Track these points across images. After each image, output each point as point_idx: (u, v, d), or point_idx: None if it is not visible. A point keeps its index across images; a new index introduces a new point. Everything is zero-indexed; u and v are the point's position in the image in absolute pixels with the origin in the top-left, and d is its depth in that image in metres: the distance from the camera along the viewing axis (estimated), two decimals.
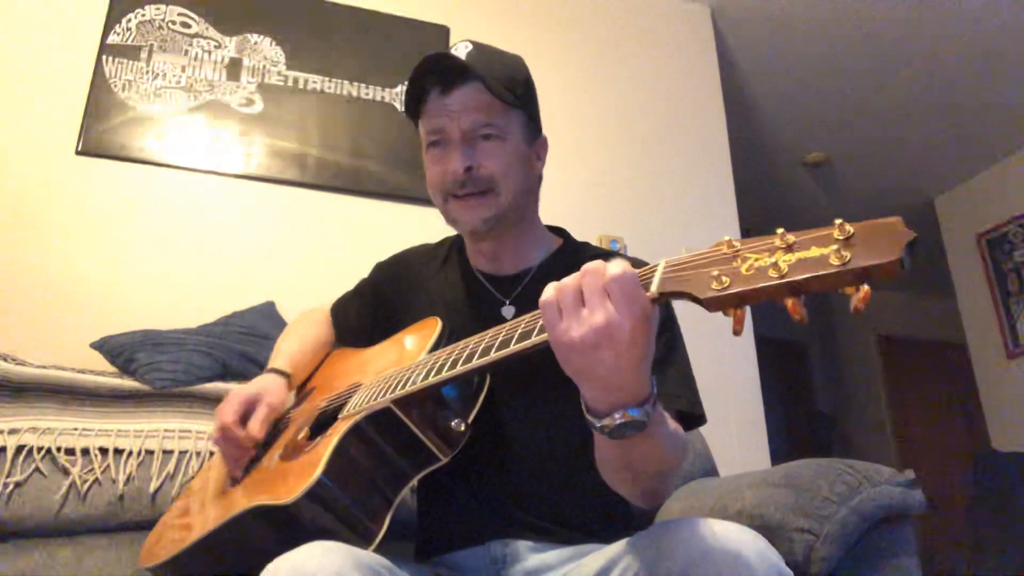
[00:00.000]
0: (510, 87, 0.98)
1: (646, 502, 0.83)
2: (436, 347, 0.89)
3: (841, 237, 0.49)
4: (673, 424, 0.77)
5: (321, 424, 0.94)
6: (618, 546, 0.77)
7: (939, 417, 5.26)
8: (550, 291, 0.64)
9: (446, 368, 0.76)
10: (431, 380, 0.77)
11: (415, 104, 1.00)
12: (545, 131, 1.10)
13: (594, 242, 2.04)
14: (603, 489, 0.98)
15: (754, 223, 4.19)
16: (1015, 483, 3.24)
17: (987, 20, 2.88)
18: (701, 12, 2.80)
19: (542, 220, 1.15)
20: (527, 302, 1.01)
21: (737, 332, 0.55)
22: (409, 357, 0.90)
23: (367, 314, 1.18)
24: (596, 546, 0.85)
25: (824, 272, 0.48)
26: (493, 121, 0.97)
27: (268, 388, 1.05)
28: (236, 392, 1.02)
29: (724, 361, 2.22)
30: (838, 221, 0.50)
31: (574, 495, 0.94)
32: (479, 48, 0.98)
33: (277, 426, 1.05)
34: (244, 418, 0.99)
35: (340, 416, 0.88)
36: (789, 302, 0.51)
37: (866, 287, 0.48)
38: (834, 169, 4.05)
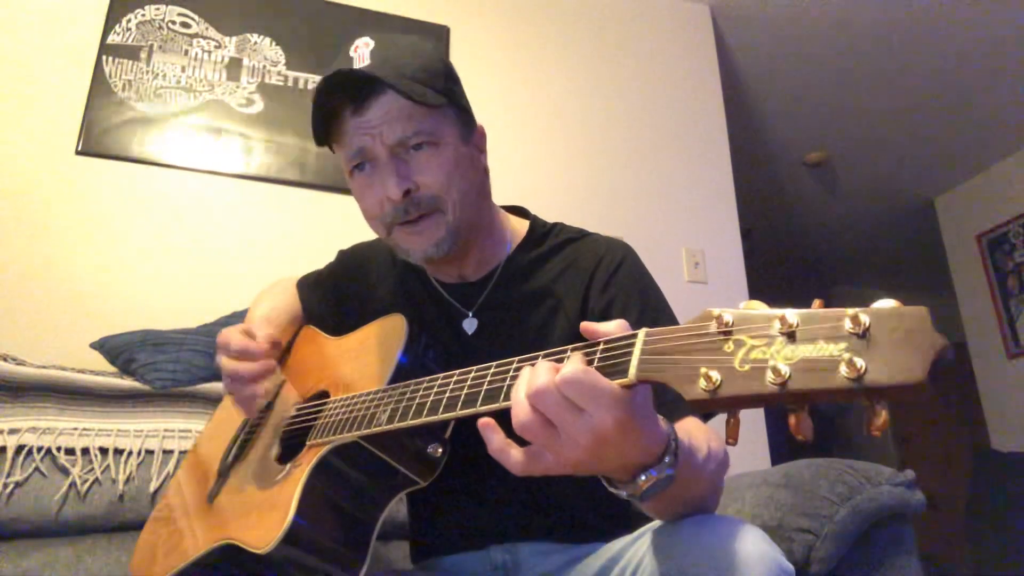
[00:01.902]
0: (430, 84, 0.85)
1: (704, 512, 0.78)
2: (406, 352, 0.84)
3: (854, 331, 0.41)
4: (702, 438, 0.70)
5: (291, 441, 0.90)
6: (617, 545, 0.77)
7: (939, 417, 5.26)
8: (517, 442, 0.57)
9: (411, 414, 0.71)
10: (396, 425, 0.72)
11: (324, 131, 0.88)
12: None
13: None
14: (603, 488, 0.98)
15: (754, 223, 4.20)
16: (1015, 483, 3.24)
17: (987, 20, 2.88)
18: (701, 12, 2.80)
19: (539, 216, 1.08)
20: (492, 311, 0.96)
21: (730, 444, 0.49)
22: (375, 366, 0.85)
23: (327, 304, 1.12)
24: (596, 545, 0.84)
25: (833, 387, 0.41)
26: (421, 128, 0.85)
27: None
28: (224, 331, 0.94)
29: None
30: (851, 311, 0.42)
31: (575, 494, 0.93)
32: (383, 45, 0.86)
33: (252, 428, 1.02)
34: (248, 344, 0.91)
35: (308, 441, 0.84)
36: (792, 418, 0.44)
37: (885, 415, 0.41)
38: (834, 169, 4.05)
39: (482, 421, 0.60)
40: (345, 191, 2.05)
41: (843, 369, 0.41)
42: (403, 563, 1.16)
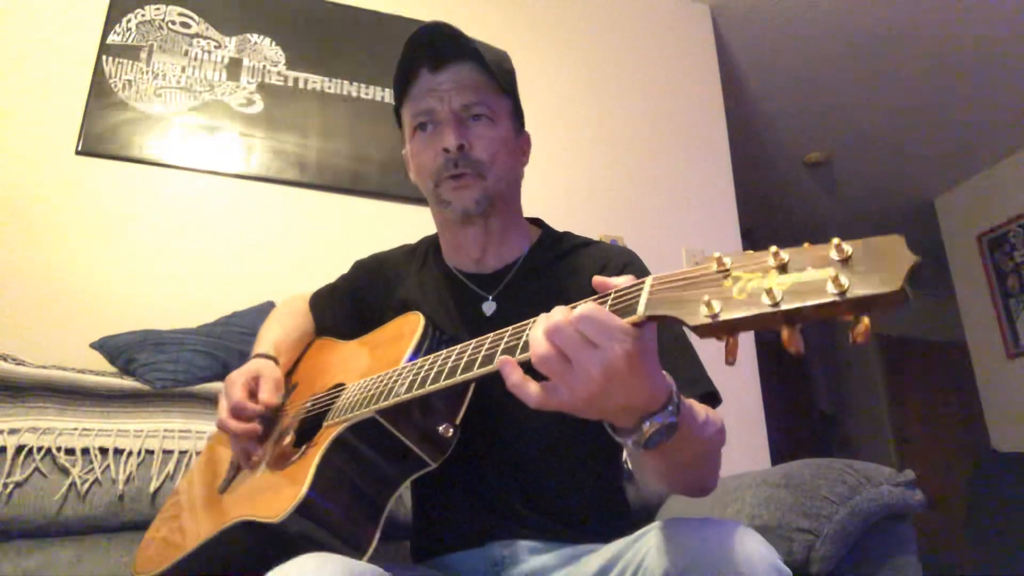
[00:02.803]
0: (501, 71, 0.96)
1: (698, 493, 0.81)
2: (420, 344, 0.87)
3: (838, 258, 0.47)
4: (700, 407, 0.75)
5: (306, 429, 0.92)
6: (616, 545, 0.77)
7: (939, 417, 5.26)
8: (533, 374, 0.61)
9: (429, 381, 0.74)
10: (414, 393, 0.75)
11: (403, 86, 0.98)
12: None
13: None
14: (603, 487, 0.99)
15: (754, 223, 4.20)
16: (1015, 483, 3.24)
17: (987, 20, 2.89)
18: (701, 12, 2.80)
19: (542, 218, 1.14)
20: (509, 298, 1.00)
21: (729, 362, 0.53)
22: (392, 356, 0.88)
23: (344, 315, 1.15)
24: (595, 546, 0.85)
25: (821, 301, 0.46)
26: (484, 101, 0.95)
27: (262, 366, 1.02)
28: (235, 374, 0.99)
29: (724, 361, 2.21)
30: (835, 241, 0.48)
31: (574, 493, 0.94)
32: (465, 35, 0.95)
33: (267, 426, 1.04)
34: (251, 394, 0.96)
35: (324, 423, 0.86)
36: (784, 332, 0.49)
37: (866, 320, 0.46)
38: (834, 169, 4.05)
39: (502, 359, 0.64)
40: (344, 191, 2.06)
41: (829, 287, 0.46)
42: (403, 562, 1.16)
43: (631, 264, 1.01)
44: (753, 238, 4.09)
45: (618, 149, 2.45)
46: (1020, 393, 3.71)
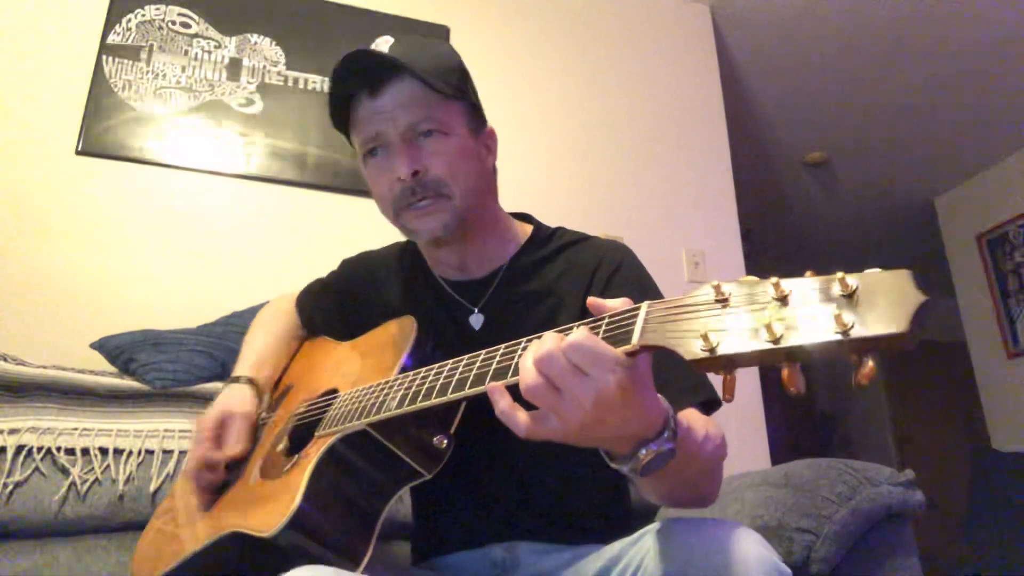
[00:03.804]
0: (443, 77, 0.90)
1: (699, 507, 0.79)
2: (414, 351, 0.86)
3: (842, 293, 0.44)
4: (699, 422, 0.72)
5: (299, 436, 0.91)
6: (616, 546, 0.77)
7: (939, 417, 5.25)
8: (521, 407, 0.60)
9: (420, 397, 0.73)
10: (405, 409, 0.74)
11: (341, 114, 0.94)
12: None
13: None
14: (604, 488, 0.98)
15: (754, 223, 4.20)
16: (1015, 483, 3.24)
17: (987, 20, 2.88)
18: (701, 12, 2.80)
19: (539, 218, 1.11)
20: (497, 308, 0.98)
21: (727, 400, 0.51)
22: (385, 363, 0.87)
23: (333, 314, 1.13)
24: (596, 547, 0.85)
25: (824, 340, 0.43)
26: (432, 115, 0.89)
27: (235, 401, 1.00)
28: (202, 419, 0.97)
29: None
30: (840, 275, 0.45)
31: (575, 495, 0.94)
32: (403, 41, 0.91)
33: (255, 432, 1.03)
34: (218, 440, 0.96)
35: (316, 433, 0.85)
36: (785, 370, 0.47)
37: (871, 363, 0.43)
38: (834, 169, 4.05)
39: (491, 385, 0.62)
40: (344, 191, 2.06)
41: (832, 325, 0.43)
42: (403, 563, 1.16)
43: (624, 263, 0.98)
44: (753, 238, 4.10)
45: (618, 149, 2.44)
46: (1020, 393, 3.71)
